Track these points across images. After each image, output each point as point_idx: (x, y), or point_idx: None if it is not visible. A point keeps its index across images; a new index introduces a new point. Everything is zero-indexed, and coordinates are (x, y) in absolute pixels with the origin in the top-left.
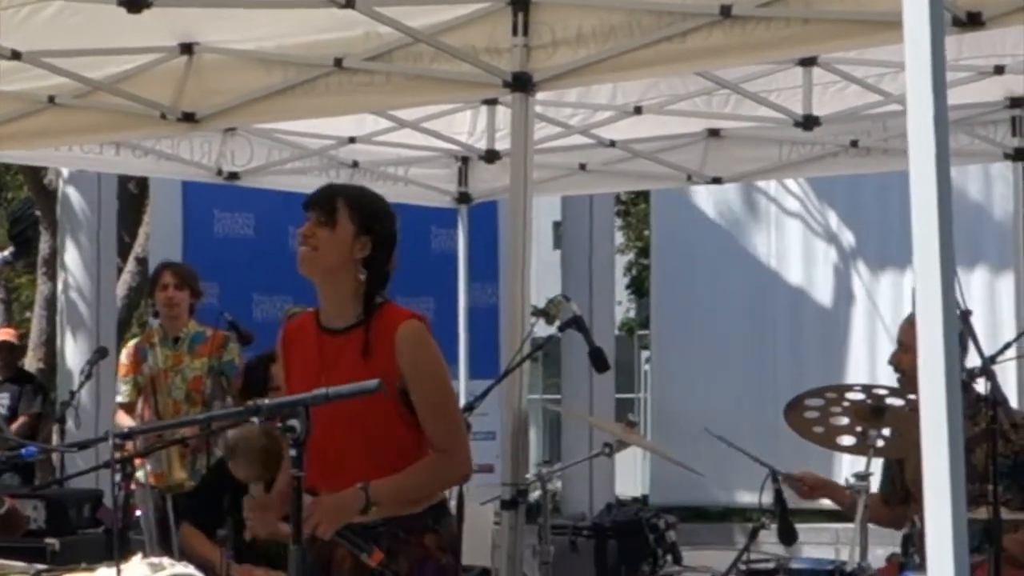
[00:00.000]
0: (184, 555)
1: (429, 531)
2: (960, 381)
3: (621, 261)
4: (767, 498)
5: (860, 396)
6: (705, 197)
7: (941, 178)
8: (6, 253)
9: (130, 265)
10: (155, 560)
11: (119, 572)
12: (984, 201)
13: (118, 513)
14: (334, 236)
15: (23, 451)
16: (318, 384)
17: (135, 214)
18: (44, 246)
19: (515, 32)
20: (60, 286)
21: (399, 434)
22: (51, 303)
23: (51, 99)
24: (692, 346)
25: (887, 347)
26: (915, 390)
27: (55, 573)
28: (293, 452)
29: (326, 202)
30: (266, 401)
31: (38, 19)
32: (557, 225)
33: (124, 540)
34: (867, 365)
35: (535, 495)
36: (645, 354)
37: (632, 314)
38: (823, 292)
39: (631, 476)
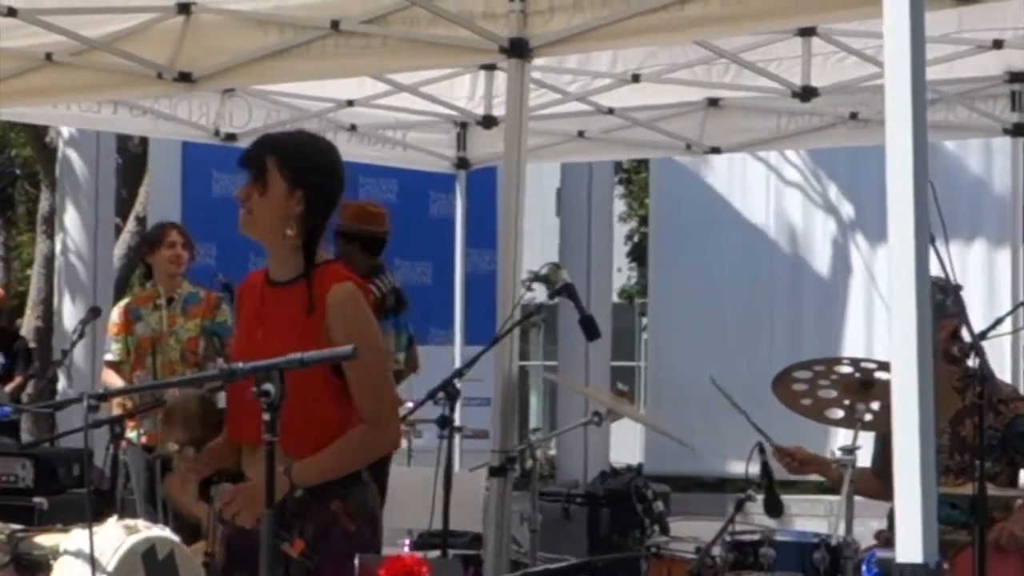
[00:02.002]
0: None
1: (336, 497)
2: (932, 355)
3: (623, 229)
4: (754, 469)
5: (849, 369)
6: (704, 166)
7: (917, 150)
8: None
9: (130, 224)
10: (130, 522)
11: (92, 534)
12: (984, 175)
13: (89, 472)
14: (266, 199)
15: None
16: (253, 338)
17: (137, 173)
18: (44, 204)
19: None
20: (59, 246)
21: (328, 407)
22: (50, 262)
23: (48, 57)
24: (689, 315)
25: (884, 319)
26: None
27: (30, 534)
28: (267, 416)
29: (256, 161)
30: (240, 364)
31: None
32: (560, 192)
33: (109, 500)
34: (864, 337)
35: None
36: (644, 322)
37: (633, 282)
38: (821, 263)
39: (628, 444)
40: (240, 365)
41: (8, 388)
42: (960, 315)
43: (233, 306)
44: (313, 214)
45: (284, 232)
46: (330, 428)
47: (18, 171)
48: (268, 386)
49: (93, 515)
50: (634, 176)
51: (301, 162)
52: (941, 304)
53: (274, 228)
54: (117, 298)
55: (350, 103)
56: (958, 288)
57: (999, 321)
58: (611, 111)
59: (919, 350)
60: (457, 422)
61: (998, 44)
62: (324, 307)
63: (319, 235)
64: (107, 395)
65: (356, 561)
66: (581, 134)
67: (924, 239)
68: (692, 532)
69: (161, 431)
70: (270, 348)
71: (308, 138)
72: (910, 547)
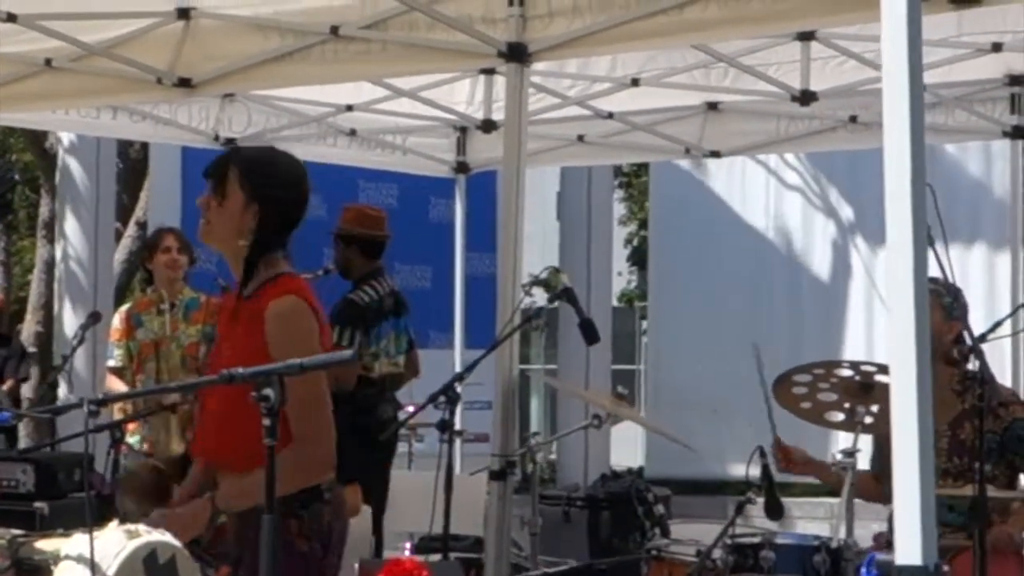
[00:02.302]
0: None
1: (293, 516)
2: (930, 357)
3: (623, 233)
4: (754, 472)
5: (848, 372)
6: (704, 170)
7: (915, 152)
8: None
9: (131, 229)
10: (131, 527)
11: (92, 538)
12: (984, 179)
13: (90, 477)
14: (223, 209)
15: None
16: (220, 351)
17: (137, 178)
18: (44, 209)
19: (511, 2)
20: (59, 252)
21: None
22: (50, 267)
23: (48, 62)
24: (689, 319)
25: (884, 322)
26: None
27: (30, 539)
28: (267, 421)
29: (218, 171)
30: (240, 370)
31: None
32: (560, 195)
33: (111, 505)
34: (865, 339)
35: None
36: (645, 325)
37: (634, 286)
38: (821, 266)
39: (628, 447)
40: (240, 370)
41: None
42: (963, 318)
43: None
44: (266, 229)
45: (237, 243)
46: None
47: (18, 177)
48: (268, 391)
49: (94, 520)
50: (634, 180)
51: (262, 177)
52: (949, 306)
53: (229, 238)
54: (118, 304)
55: (349, 108)
56: (957, 290)
57: (999, 324)
58: (610, 115)
59: (917, 352)
60: (458, 426)
61: (997, 47)
62: (263, 320)
63: (268, 250)
64: (107, 400)
65: (356, 565)
66: (581, 138)
67: (922, 241)
68: (693, 535)
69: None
70: (232, 358)
71: (275, 155)
72: (909, 549)
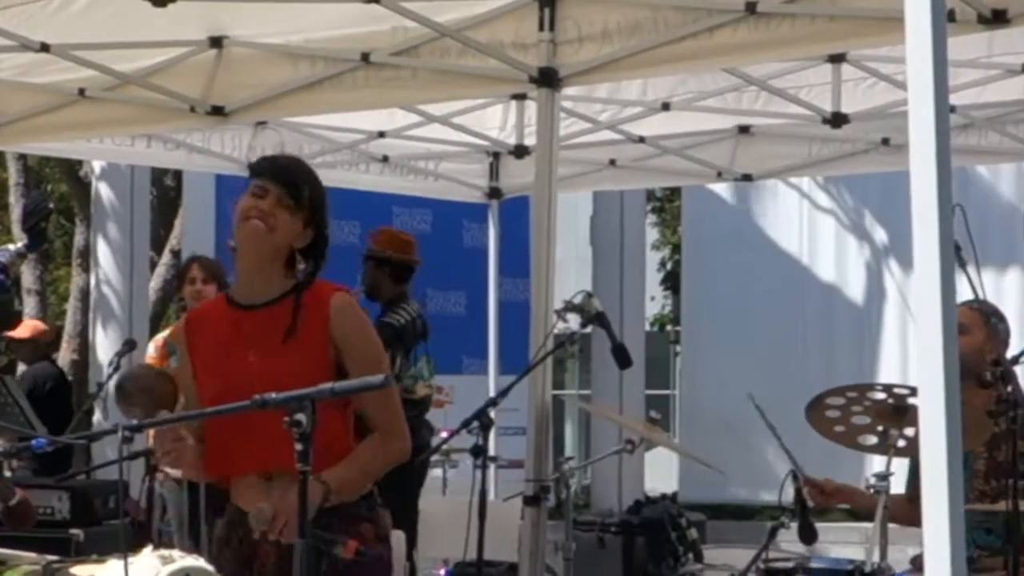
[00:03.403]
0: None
1: (365, 520)
2: (965, 378)
3: (656, 257)
4: (788, 496)
5: (882, 395)
6: (736, 193)
7: (942, 176)
8: (20, 245)
9: (165, 257)
10: (165, 552)
11: (127, 564)
12: (1017, 201)
13: (124, 504)
14: (293, 222)
15: (33, 443)
16: (244, 361)
17: (171, 207)
18: (79, 238)
19: (541, 27)
20: (93, 281)
21: (332, 416)
22: (86, 295)
23: (81, 92)
24: (723, 343)
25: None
26: (967, 374)
27: (65, 565)
28: (299, 446)
29: (297, 185)
30: (273, 395)
31: (68, 12)
32: (592, 220)
33: (146, 531)
34: (899, 362)
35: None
36: (678, 350)
37: (667, 310)
38: (855, 290)
39: (662, 472)
40: (273, 395)
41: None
42: (1004, 343)
43: (180, 337)
44: (318, 250)
45: (283, 257)
46: (338, 436)
47: (53, 206)
48: (300, 416)
49: (129, 546)
50: (667, 204)
51: (322, 203)
52: (994, 328)
53: (282, 251)
54: (152, 331)
55: (381, 134)
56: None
57: None
58: (642, 139)
59: (945, 375)
60: (491, 452)
61: None
62: (325, 318)
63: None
64: (141, 426)
65: None
66: (612, 162)
67: (949, 264)
68: (726, 560)
69: (120, 406)
70: (273, 367)
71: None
72: (939, 572)
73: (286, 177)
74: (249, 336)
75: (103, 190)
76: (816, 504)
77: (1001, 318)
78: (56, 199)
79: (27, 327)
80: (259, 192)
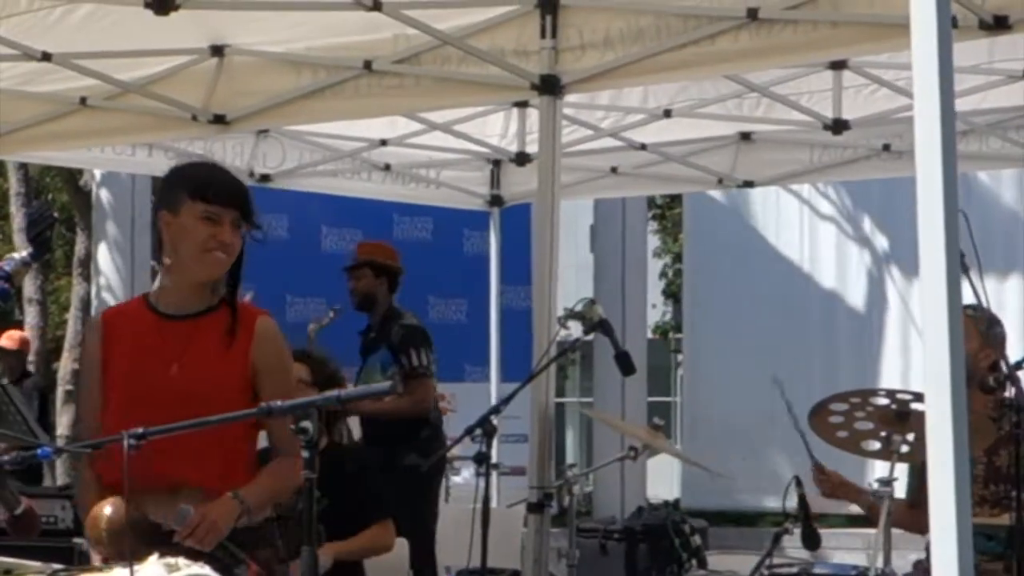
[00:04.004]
0: None
1: (268, 545)
2: (965, 384)
3: (657, 265)
4: (791, 503)
5: (885, 401)
6: (737, 200)
7: (947, 182)
8: (24, 254)
9: None
10: (171, 560)
11: (132, 573)
12: (1019, 207)
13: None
14: (237, 241)
15: (39, 452)
16: (166, 371)
17: None
18: (80, 247)
19: (543, 35)
20: (94, 290)
21: (245, 433)
22: (87, 305)
23: (83, 101)
24: (725, 350)
25: (920, 351)
26: (967, 379)
27: (71, 573)
28: (306, 453)
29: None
30: (278, 403)
31: (69, 21)
32: (593, 228)
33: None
34: (901, 370)
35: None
36: (679, 358)
37: (668, 318)
38: (856, 296)
39: (664, 479)
40: (278, 404)
41: None
42: (1001, 346)
43: (95, 337)
44: (240, 260)
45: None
46: (243, 455)
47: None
48: (306, 423)
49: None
50: (667, 212)
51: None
52: (986, 333)
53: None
54: None
55: (383, 142)
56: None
57: None
58: (643, 147)
59: (952, 380)
60: (494, 459)
61: None
62: (250, 338)
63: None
64: (146, 434)
65: None
66: (614, 170)
67: (955, 270)
68: (730, 566)
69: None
70: (196, 380)
71: None
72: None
73: (238, 201)
74: (174, 347)
75: (104, 198)
76: (824, 493)
77: (995, 323)
78: (57, 208)
79: (13, 338)
80: (215, 218)
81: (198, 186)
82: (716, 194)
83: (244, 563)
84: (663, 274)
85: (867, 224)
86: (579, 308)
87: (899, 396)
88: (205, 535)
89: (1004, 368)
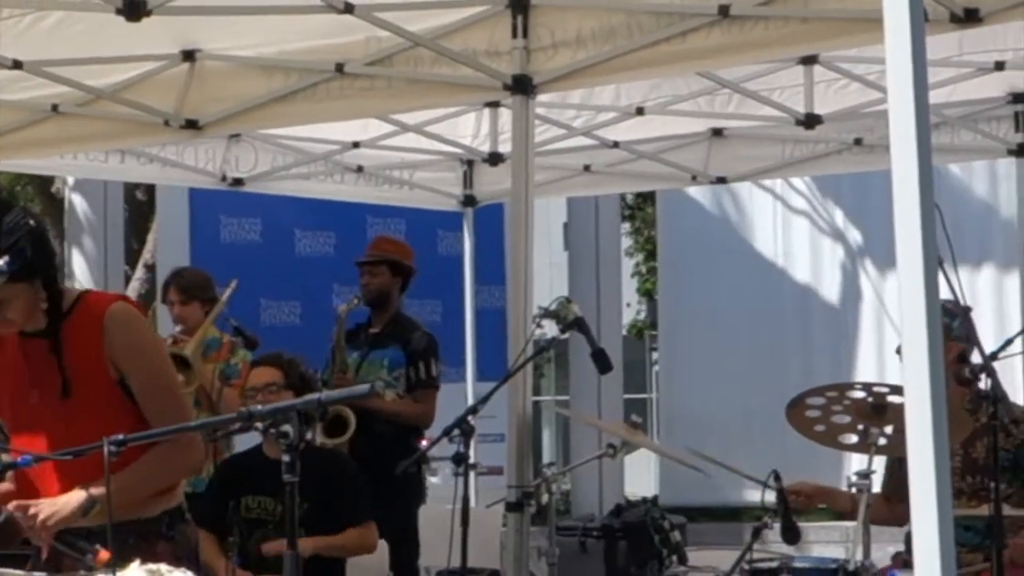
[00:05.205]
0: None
1: (162, 538)
2: (944, 377)
3: (630, 264)
4: (770, 497)
5: (861, 394)
6: (710, 197)
7: (923, 172)
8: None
9: (139, 272)
10: (153, 566)
11: None
12: (991, 199)
13: (110, 518)
14: (25, 290)
15: (19, 459)
16: (26, 400)
17: (143, 221)
18: None
19: (515, 35)
20: None
21: (131, 429)
22: None
23: (54, 108)
24: (700, 346)
25: (895, 343)
26: None
27: None
28: (287, 457)
29: (26, 260)
30: (259, 407)
31: (39, 28)
32: (567, 226)
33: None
34: (875, 363)
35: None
36: (655, 355)
37: (643, 316)
38: (830, 290)
39: (642, 476)
40: (259, 408)
41: None
42: (969, 337)
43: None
44: (46, 274)
45: (38, 305)
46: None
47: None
48: (286, 427)
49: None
50: (638, 212)
51: (41, 257)
52: (947, 327)
53: (31, 309)
54: None
55: (356, 144)
56: (968, 310)
57: (1009, 342)
58: (616, 144)
59: (931, 372)
60: (472, 459)
61: (999, 66)
62: (99, 334)
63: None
64: (127, 440)
65: None
66: (587, 168)
67: (933, 263)
68: (710, 561)
69: None
70: (57, 411)
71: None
72: (928, 569)
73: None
74: (32, 370)
75: (76, 204)
76: (800, 508)
77: (954, 315)
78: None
79: None
80: None
81: None
82: (689, 190)
83: (89, 552)
84: (635, 272)
85: (840, 218)
86: (554, 307)
87: (876, 389)
88: (38, 529)
89: (978, 359)
